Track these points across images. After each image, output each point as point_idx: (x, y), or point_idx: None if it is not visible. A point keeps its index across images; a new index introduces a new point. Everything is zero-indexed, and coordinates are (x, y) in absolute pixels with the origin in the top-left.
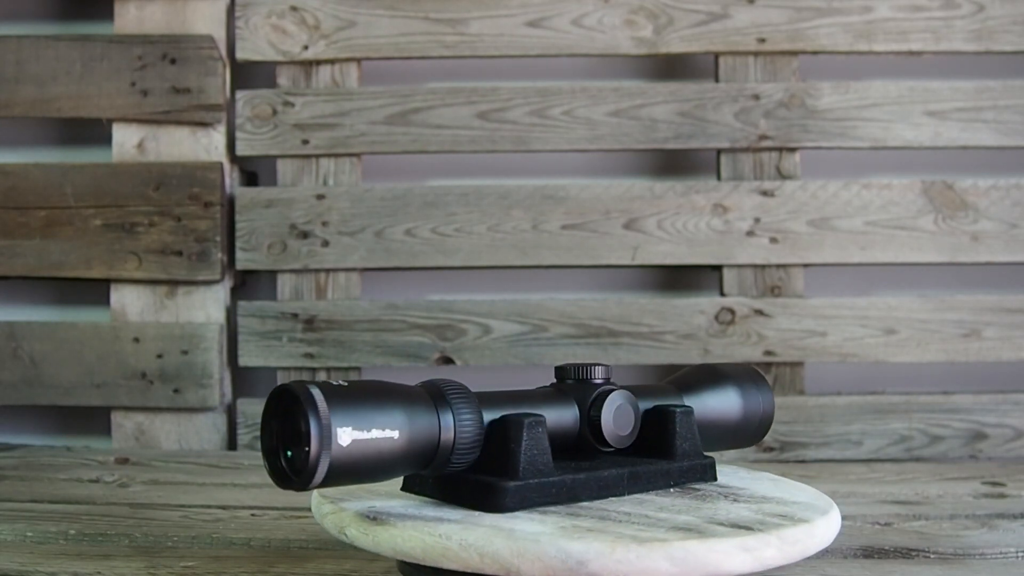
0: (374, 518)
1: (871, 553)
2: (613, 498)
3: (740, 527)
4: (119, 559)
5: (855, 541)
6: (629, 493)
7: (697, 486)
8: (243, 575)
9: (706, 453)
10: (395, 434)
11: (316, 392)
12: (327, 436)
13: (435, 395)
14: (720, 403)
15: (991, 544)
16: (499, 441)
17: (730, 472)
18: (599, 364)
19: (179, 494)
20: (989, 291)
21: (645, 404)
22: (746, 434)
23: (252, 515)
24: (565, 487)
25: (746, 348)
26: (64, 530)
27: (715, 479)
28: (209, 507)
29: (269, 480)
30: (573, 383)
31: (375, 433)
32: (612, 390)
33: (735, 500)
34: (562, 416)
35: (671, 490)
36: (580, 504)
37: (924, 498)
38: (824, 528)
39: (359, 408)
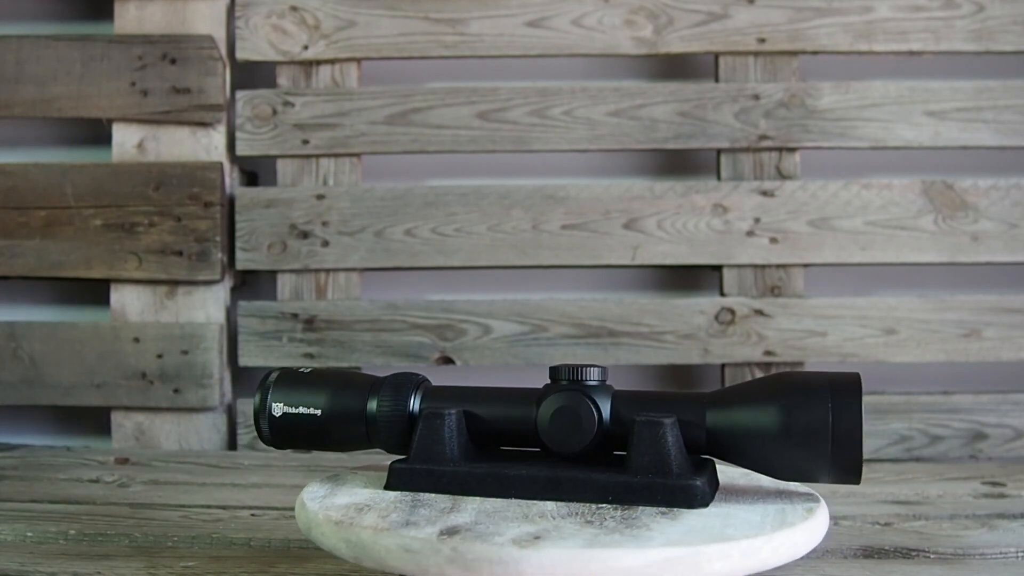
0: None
1: (871, 553)
2: (521, 500)
3: (464, 539)
4: (119, 559)
5: (855, 541)
6: (544, 499)
7: (648, 507)
8: (243, 575)
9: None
10: (318, 412)
11: (272, 376)
12: (263, 408)
13: (376, 386)
14: (751, 420)
15: (991, 544)
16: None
17: (742, 507)
18: (593, 366)
19: (179, 494)
20: (989, 291)
21: (627, 412)
22: (798, 462)
23: (252, 515)
24: (457, 479)
25: (746, 348)
26: (64, 530)
27: (693, 505)
28: (209, 507)
29: (269, 480)
30: (567, 384)
31: (301, 409)
32: (558, 391)
33: (601, 526)
34: (511, 415)
35: (604, 506)
36: (466, 497)
37: (924, 498)
38: (566, 562)
39: (294, 390)
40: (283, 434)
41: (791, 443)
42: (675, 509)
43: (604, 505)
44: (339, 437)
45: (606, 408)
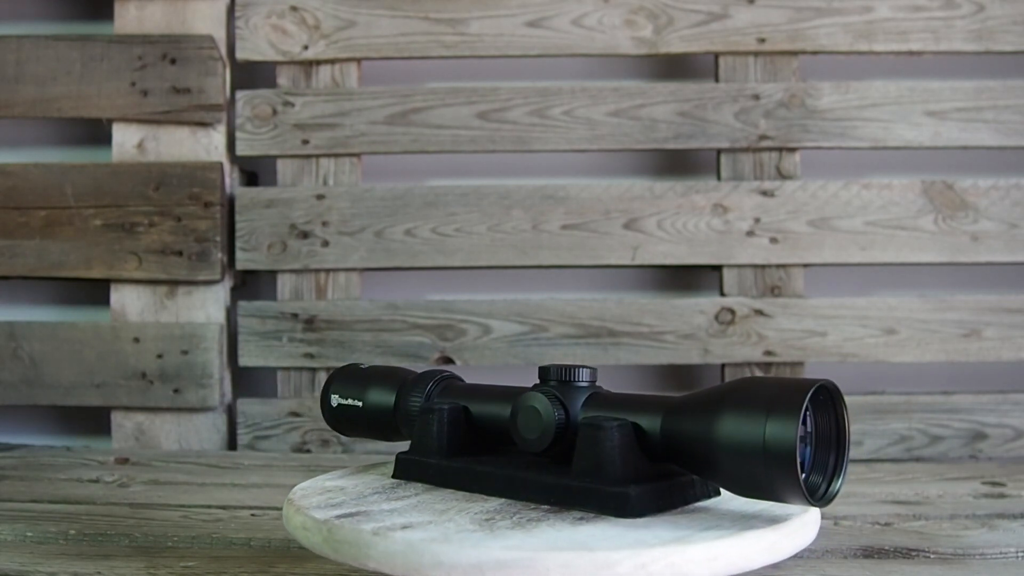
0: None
1: (871, 553)
2: (482, 495)
3: (347, 525)
4: (119, 559)
5: (855, 541)
6: (500, 495)
7: (578, 511)
8: (243, 575)
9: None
10: (359, 403)
11: (336, 370)
12: (326, 398)
13: (406, 382)
14: (694, 429)
15: (991, 544)
16: None
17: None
18: (583, 366)
19: (179, 494)
20: (989, 291)
21: (586, 413)
22: (735, 479)
23: (252, 515)
24: (439, 471)
25: (746, 348)
26: (64, 530)
27: (623, 513)
28: (209, 507)
29: (269, 480)
30: (554, 384)
31: (349, 401)
32: (533, 391)
33: (491, 525)
34: (496, 413)
35: (541, 507)
36: (443, 489)
37: (924, 498)
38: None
39: (347, 383)
40: (339, 422)
41: (727, 458)
42: (600, 516)
43: (543, 506)
44: (378, 427)
45: (576, 409)
